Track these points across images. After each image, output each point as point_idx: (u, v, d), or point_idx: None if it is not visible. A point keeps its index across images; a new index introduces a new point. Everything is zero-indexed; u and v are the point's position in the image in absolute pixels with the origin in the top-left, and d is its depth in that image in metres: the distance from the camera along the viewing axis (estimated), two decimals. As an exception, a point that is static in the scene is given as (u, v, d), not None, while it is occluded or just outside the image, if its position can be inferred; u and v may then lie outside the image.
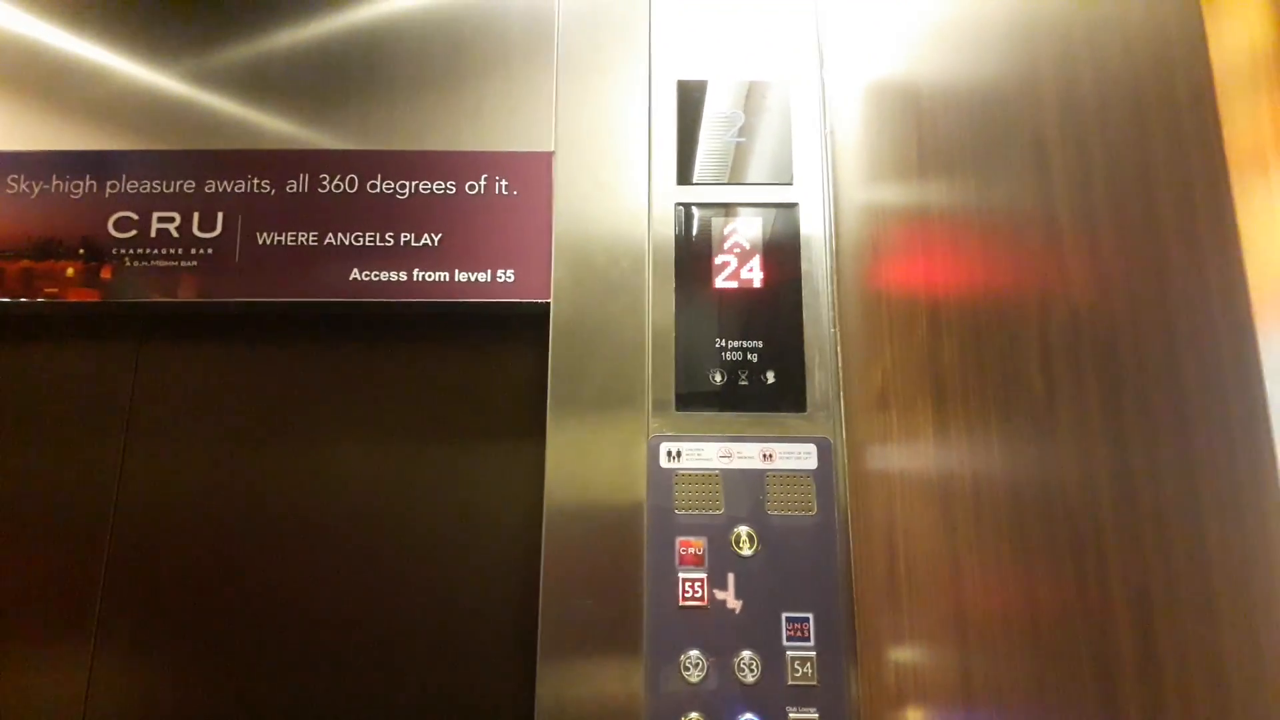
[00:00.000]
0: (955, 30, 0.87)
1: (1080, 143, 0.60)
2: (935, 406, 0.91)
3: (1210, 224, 0.45)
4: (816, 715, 1.18)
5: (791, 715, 1.18)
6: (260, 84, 1.45)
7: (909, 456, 1.00)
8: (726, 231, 1.37)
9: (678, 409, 1.30)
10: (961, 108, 0.84)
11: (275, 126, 1.43)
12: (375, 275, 1.37)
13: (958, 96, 0.85)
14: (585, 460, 1.29)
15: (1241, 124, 0.45)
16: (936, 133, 0.92)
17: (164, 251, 1.38)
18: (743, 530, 1.25)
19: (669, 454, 1.28)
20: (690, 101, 1.42)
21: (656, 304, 1.34)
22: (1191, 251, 0.46)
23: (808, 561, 1.23)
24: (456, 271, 1.37)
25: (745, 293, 1.35)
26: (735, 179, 1.40)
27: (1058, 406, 0.62)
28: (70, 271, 1.37)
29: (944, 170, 0.90)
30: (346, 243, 1.38)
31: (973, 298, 0.80)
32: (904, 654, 1.02)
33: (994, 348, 0.75)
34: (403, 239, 1.38)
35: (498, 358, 1.45)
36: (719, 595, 1.22)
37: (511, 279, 1.36)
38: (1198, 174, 0.46)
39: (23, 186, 1.39)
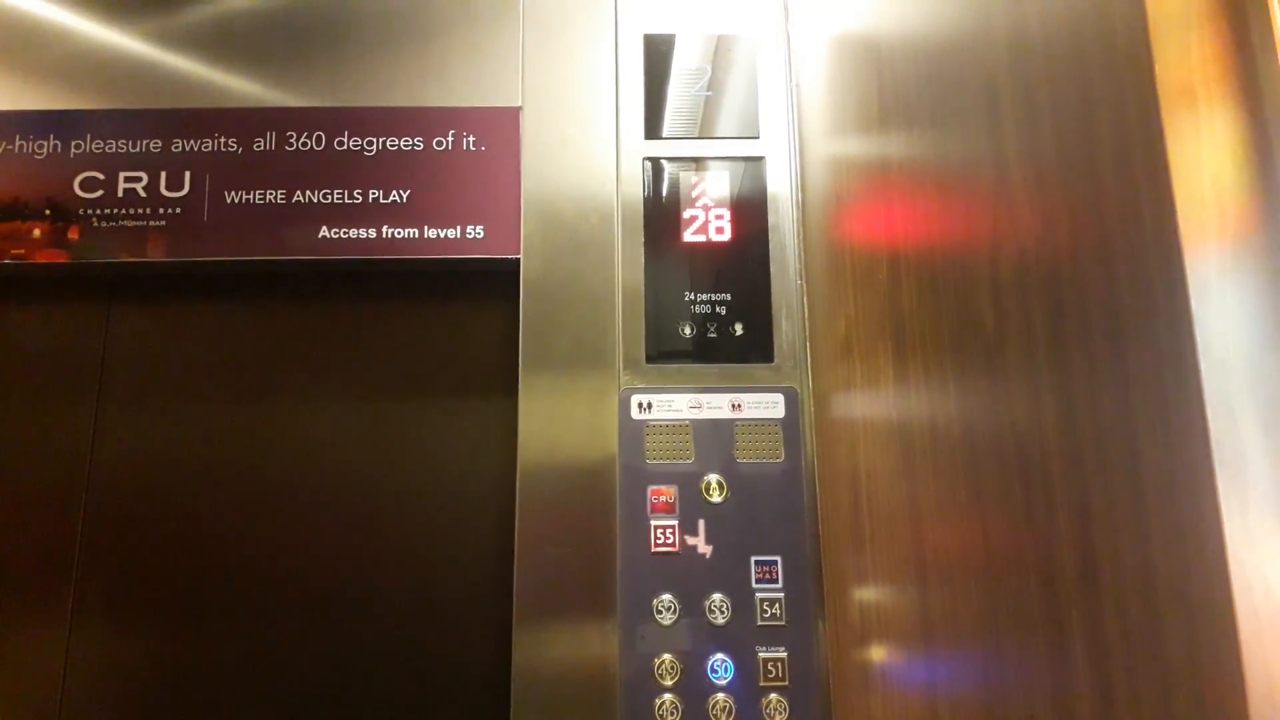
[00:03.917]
0: (913, -20, 0.88)
1: (1028, 85, 0.62)
2: (895, 351, 0.94)
3: (1143, 154, 0.47)
4: (785, 654, 1.21)
5: (761, 654, 1.22)
6: (225, 42, 1.44)
7: (871, 402, 1.03)
8: (694, 185, 1.38)
9: (648, 362, 1.33)
10: (919, 58, 0.86)
11: (241, 85, 1.43)
12: (344, 233, 1.37)
13: (916, 47, 0.87)
14: (557, 414, 1.31)
15: (1173, 61, 0.47)
16: (896, 84, 0.94)
17: (132, 211, 1.37)
18: (712, 478, 1.28)
19: (640, 406, 1.30)
20: (657, 55, 1.43)
21: (626, 258, 1.36)
22: (1126, 181, 0.49)
23: (776, 507, 1.27)
24: (426, 228, 1.37)
25: (713, 246, 1.37)
26: (703, 133, 1.41)
27: (1007, 340, 0.65)
28: (37, 233, 1.36)
29: (903, 120, 0.92)
30: (315, 201, 1.38)
31: (930, 242, 0.83)
32: (868, 593, 1.06)
33: (949, 289, 0.77)
34: (371, 196, 1.38)
35: (469, 315, 1.46)
36: (690, 541, 1.25)
37: (481, 235, 1.37)
38: (1132, 109, 0.48)
39: (-15, 147, 1.38)
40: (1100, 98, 0.52)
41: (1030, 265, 0.61)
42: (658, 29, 1.44)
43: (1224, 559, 0.41)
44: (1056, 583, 0.57)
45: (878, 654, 1.03)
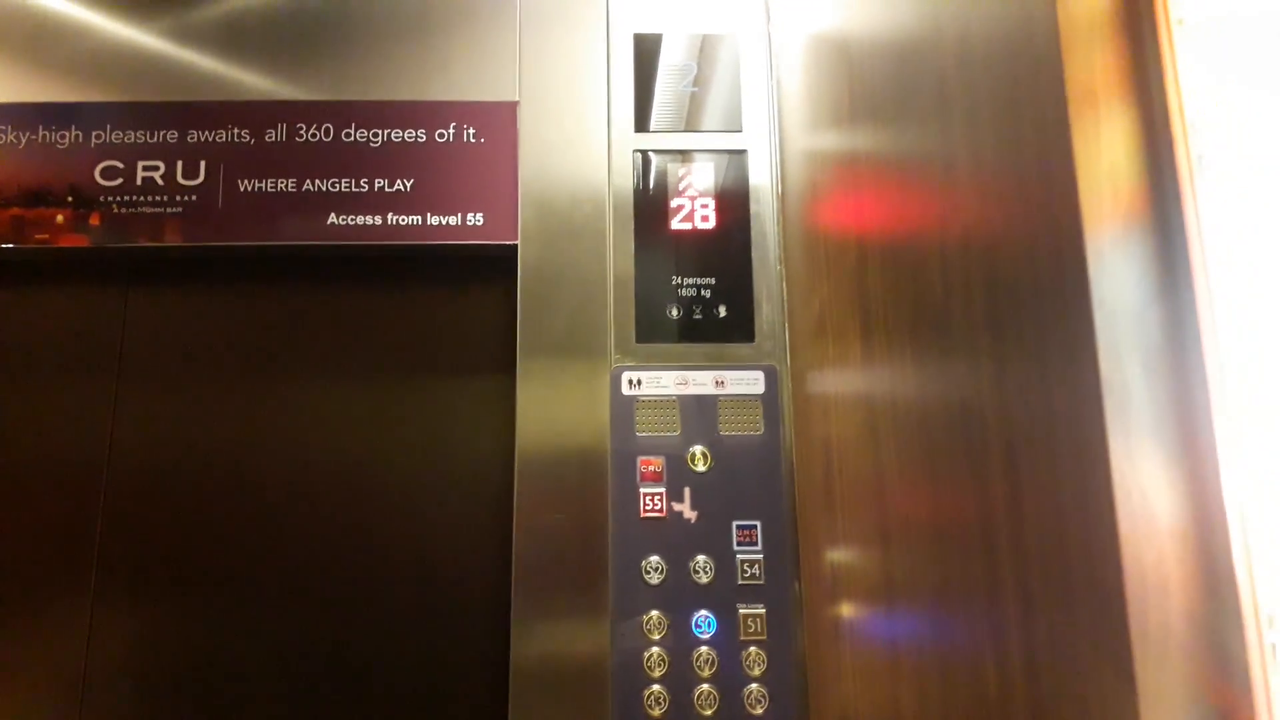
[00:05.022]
0: (880, -12, 0.97)
1: (971, 85, 0.71)
2: (862, 329, 1.03)
3: (1056, 145, 0.56)
4: (764, 610, 1.31)
5: (741, 611, 1.31)
6: (238, 38, 1.52)
7: (842, 376, 1.12)
8: (681, 176, 1.47)
9: (638, 342, 1.41)
10: (883, 58, 0.95)
11: (253, 79, 1.50)
12: (351, 219, 1.45)
13: (880, 48, 0.96)
14: (553, 392, 1.39)
15: (1079, 67, 0.56)
16: (864, 82, 1.03)
17: (150, 198, 1.45)
18: (697, 449, 1.37)
19: (630, 382, 1.39)
20: (646, 53, 1.51)
21: (617, 244, 1.44)
22: (1044, 167, 0.58)
23: (756, 476, 1.36)
24: (428, 215, 1.46)
25: (699, 234, 1.46)
26: (689, 127, 1.49)
27: (952, 310, 0.74)
28: (59, 218, 1.44)
29: (870, 116, 1.00)
30: (323, 189, 1.46)
31: (891, 227, 0.92)
32: (839, 555, 1.15)
33: (907, 268, 0.86)
34: (376, 184, 1.47)
35: (469, 298, 1.55)
36: (676, 507, 1.34)
37: (480, 222, 1.46)
38: (1048, 107, 0.57)
39: (11, 137, 1.45)
40: (1025, 97, 0.61)
41: (971, 243, 0.70)
42: (647, 28, 1.52)
43: (1109, 473, 0.50)
44: (991, 523, 0.67)
45: (847, 609, 1.12)
